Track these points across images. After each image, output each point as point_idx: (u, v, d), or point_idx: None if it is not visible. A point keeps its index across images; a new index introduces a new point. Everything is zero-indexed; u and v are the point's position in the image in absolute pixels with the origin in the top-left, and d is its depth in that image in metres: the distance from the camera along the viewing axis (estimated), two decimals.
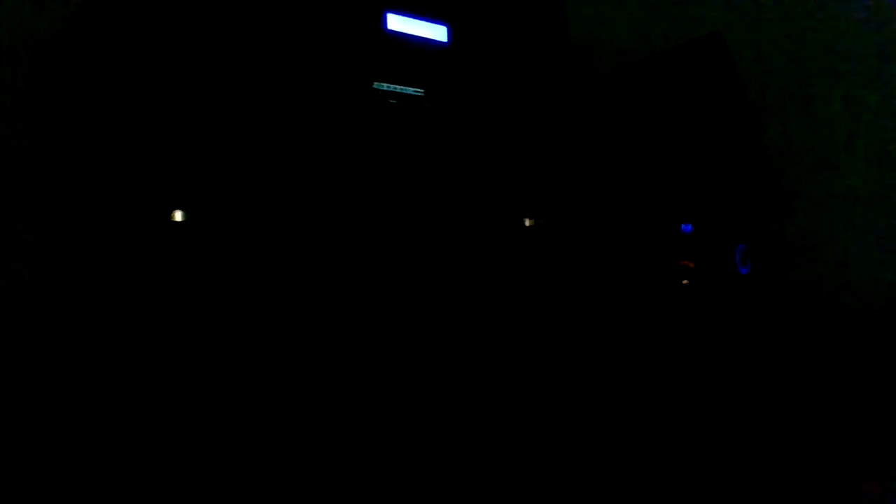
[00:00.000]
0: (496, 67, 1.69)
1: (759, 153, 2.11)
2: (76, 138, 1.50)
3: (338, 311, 1.39)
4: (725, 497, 1.40)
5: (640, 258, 2.07)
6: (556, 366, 1.71)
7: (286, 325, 1.32)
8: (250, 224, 1.30)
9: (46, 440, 1.46)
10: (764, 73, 2.68)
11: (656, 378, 1.95)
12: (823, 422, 1.93)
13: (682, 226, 2.04)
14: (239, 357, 1.27)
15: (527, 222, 1.70)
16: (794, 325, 2.53)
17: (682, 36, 2.88)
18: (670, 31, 2.90)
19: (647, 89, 2.14)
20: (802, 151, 2.59)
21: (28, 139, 1.74)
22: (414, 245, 1.51)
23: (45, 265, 1.61)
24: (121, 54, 1.34)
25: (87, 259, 1.43)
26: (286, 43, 1.38)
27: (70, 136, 1.52)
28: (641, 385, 1.93)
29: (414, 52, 1.54)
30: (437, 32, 1.59)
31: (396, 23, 1.53)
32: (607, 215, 2.11)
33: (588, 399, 1.76)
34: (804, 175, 2.58)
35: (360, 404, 1.39)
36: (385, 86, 1.50)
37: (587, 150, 1.88)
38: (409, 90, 1.54)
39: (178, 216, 1.23)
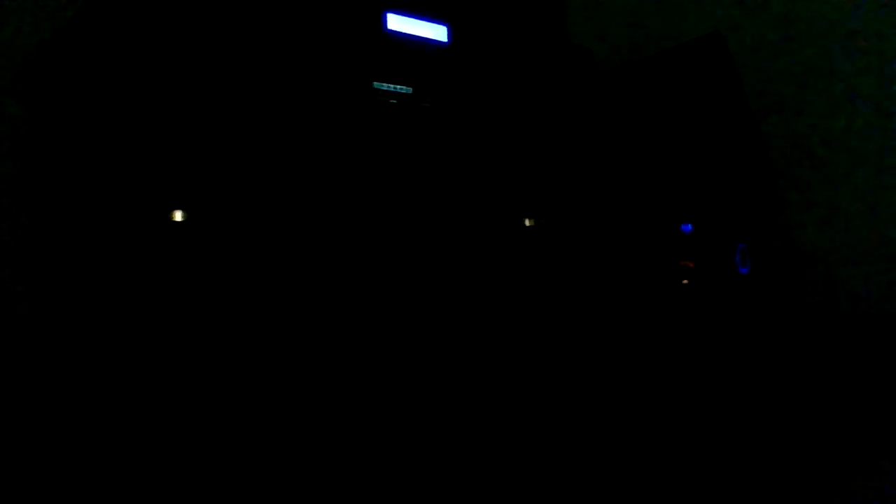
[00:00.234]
0: (496, 67, 1.69)
1: (758, 153, 2.11)
2: (76, 139, 1.50)
3: (338, 310, 1.39)
4: (725, 497, 1.40)
5: (640, 258, 2.07)
6: (557, 365, 1.71)
7: (286, 324, 1.32)
8: (250, 224, 1.30)
9: (47, 440, 1.46)
10: (764, 72, 2.68)
11: (657, 377, 1.95)
12: (823, 422, 1.93)
13: (682, 226, 2.04)
14: (239, 357, 1.27)
15: (527, 222, 1.70)
16: (793, 324, 2.53)
17: (682, 36, 2.88)
18: (670, 31, 2.90)
19: (647, 89, 2.14)
20: (802, 151, 2.59)
21: (28, 139, 1.74)
22: (414, 245, 1.51)
23: (45, 265, 1.61)
24: (120, 54, 1.34)
25: (88, 259, 1.43)
26: (286, 43, 1.38)
27: (70, 136, 1.52)
28: (642, 384, 1.93)
29: (414, 52, 1.54)
30: (436, 32, 1.59)
31: (396, 23, 1.53)
32: (607, 215, 2.11)
33: (588, 398, 1.76)
34: (804, 175, 2.58)
35: (360, 404, 1.39)
36: (385, 85, 1.50)
37: (587, 151, 1.88)
38: (409, 90, 1.54)
39: (178, 216, 1.23)
